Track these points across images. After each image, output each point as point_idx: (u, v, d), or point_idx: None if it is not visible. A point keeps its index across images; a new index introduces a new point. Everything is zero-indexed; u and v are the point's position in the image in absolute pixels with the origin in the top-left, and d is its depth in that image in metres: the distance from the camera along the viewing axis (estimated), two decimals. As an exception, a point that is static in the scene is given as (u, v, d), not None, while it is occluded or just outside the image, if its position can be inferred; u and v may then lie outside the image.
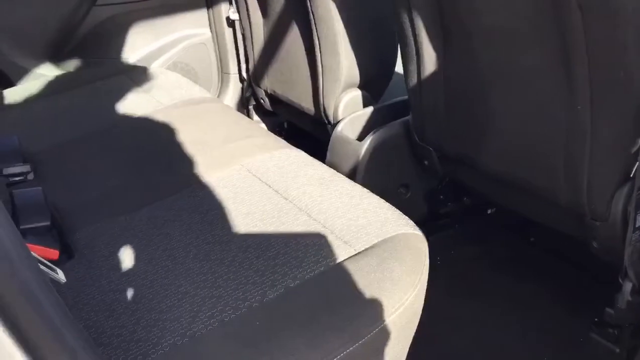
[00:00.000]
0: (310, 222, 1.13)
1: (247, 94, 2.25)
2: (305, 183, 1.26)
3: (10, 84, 1.98)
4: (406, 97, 1.60)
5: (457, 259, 1.70)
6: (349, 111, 1.76)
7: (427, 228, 1.68)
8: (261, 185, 1.27)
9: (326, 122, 1.82)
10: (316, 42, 1.73)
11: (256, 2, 1.96)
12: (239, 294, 0.98)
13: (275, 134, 2.28)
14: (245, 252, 1.07)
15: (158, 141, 1.54)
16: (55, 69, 2.05)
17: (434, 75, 1.45)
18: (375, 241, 1.07)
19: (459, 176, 1.60)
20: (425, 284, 1.06)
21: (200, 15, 2.19)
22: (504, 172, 1.40)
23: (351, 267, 1.01)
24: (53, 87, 1.95)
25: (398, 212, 1.17)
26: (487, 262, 1.69)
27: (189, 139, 1.53)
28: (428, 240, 1.14)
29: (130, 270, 1.08)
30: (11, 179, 1.43)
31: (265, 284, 0.99)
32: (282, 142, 1.51)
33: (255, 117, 2.30)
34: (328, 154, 1.72)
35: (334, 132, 1.71)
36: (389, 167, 1.68)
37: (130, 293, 1.02)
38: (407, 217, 1.16)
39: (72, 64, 2.07)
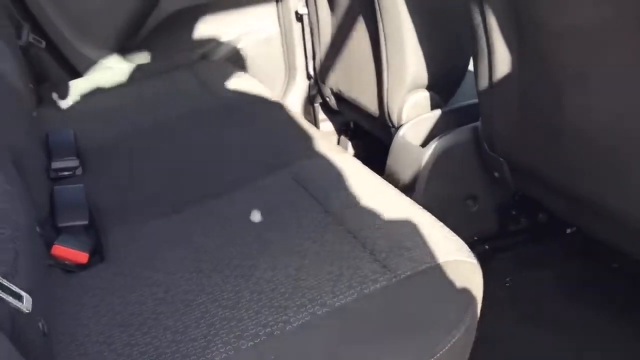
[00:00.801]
0: (349, 239, 1.02)
1: (313, 92, 2.16)
2: (351, 195, 1.14)
3: (78, 74, 1.99)
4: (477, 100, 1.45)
5: (528, 283, 1.53)
6: (415, 114, 1.62)
7: (496, 246, 1.55)
8: (304, 194, 1.17)
9: (390, 124, 1.70)
10: (382, 38, 1.60)
11: (324, -5, 1.87)
12: (261, 318, 0.88)
13: (341, 134, 2.21)
14: (274, 270, 0.97)
15: (209, 141, 1.48)
16: (121, 61, 2.04)
17: (506, 77, 1.29)
18: (420, 268, 0.94)
19: (530, 190, 1.43)
20: (476, 321, 0.91)
21: (268, 9, 2.12)
22: (578, 187, 1.22)
23: (387, 297, 0.89)
24: (117, 80, 1.94)
25: (452, 234, 1.03)
26: (562, 287, 1.51)
27: (241, 139, 1.46)
28: (496, 260, 0.99)
29: (155, 281, 1.01)
30: (60, 174, 1.41)
31: (290, 309, 0.89)
32: (335, 147, 1.40)
33: (322, 116, 2.20)
34: (388, 159, 1.59)
35: (395, 136, 1.59)
36: (454, 176, 1.53)
37: (149, 306, 0.95)
38: (461, 241, 1.02)
39: (137, 57, 2.05)
